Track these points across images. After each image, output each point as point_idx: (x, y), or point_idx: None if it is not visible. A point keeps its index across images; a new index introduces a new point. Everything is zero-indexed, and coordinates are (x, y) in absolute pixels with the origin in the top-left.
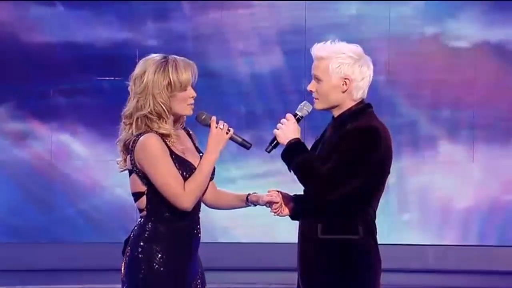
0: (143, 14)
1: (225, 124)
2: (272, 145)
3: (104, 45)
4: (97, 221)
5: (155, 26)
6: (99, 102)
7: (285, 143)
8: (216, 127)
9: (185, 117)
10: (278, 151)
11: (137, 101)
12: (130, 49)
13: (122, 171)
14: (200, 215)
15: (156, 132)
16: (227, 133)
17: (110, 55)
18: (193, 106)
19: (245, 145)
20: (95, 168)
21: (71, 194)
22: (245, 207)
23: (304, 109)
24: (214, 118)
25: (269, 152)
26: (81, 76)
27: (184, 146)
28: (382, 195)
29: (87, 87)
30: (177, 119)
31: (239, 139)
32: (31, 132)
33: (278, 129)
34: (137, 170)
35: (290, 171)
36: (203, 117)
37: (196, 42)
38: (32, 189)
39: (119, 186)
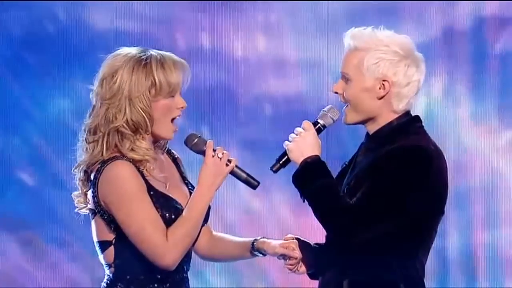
0: None
1: (224, 152)
2: (281, 162)
3: None
4: None
5: None
6: None
7: (299, 162)
8: (213, 156)
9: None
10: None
11: (107, 109)
12: None
13: (80, 209)
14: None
15: (127, 158)
16: (227, 164)
17: None
18: (175, 127)
19: (251, 183)
20: None
21: None
22: (250, 257)
23: (328, 116)
24: (210, 143)
25: (275, 171)
26: None
27: (165, 174)
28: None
29: None
30: (155, 140)
31: (243, 175)
32: None
33: (290, 142)
34: (102, 211)
35: (304, 201)
36: (195, 141)
37: None
38: None
39: None
